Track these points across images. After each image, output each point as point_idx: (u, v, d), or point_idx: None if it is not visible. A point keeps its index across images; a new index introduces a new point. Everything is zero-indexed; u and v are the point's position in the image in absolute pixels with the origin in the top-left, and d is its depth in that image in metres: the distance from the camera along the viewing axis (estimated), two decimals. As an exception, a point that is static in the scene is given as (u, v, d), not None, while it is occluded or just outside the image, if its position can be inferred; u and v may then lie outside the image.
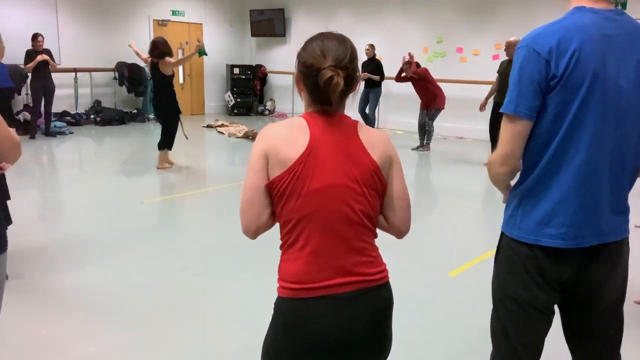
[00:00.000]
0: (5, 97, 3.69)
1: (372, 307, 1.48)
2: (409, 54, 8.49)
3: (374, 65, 9.51)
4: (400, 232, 1.57)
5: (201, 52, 7.05)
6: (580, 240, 1.57)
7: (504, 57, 8.81)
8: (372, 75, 9.35)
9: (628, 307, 3.37)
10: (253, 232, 1.49)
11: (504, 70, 7.51)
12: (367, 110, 9.76)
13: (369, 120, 9.71)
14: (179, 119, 6.96)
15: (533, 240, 1.59)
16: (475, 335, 3.00)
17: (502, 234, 1.74)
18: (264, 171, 1.44)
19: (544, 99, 1.52)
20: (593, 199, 1.56)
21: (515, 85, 1.55)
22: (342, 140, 1.45)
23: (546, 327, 1.70)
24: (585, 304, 1.67)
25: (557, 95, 1.50)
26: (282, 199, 1.43)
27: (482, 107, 7.99)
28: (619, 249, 1.64)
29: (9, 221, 3.24)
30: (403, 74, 8.60)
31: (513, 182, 1.73)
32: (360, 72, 1.52)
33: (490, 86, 8.01)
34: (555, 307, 1.72)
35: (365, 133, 1.49)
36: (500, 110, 1.59)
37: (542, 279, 1.61)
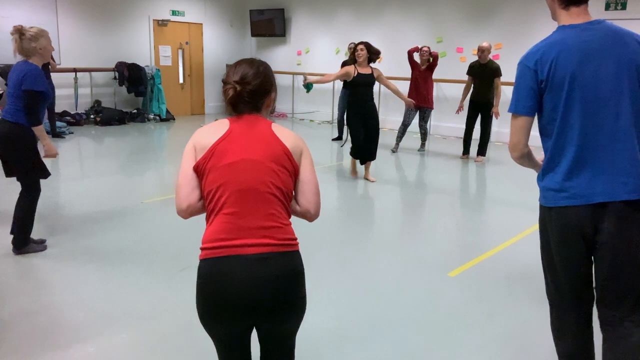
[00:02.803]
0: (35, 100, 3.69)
1: (280, 269, 1.65)
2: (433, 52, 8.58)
3: None
4: (309, 212, 1.79)
5: (309, 86, 6.59)
6: (589, 198, 1.96)
7: (504, 57, 8.87)
8: None
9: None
10: (184, 209, 1.74)
11: (477, 72, 7.96)
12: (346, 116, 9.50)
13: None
14: (351, 127, 6.37)
15: (553, 204, 2.05)
16: (475, 335, 3.00)
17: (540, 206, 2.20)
18: (192, 159, 1.73)
19: (542, 98, 2.01)
20: (595, 167, 1.96)
21: (515, 91, 2.06)
22: (256, 130, 1.74)
23: (580, 263, 2.07)
24: (601, 251, 2.02)
25: (549, 94, 2.00)
26: (205, 174, 1.70)
27: (460, 110, 8.26)
28: (630, 209, 1.96)
29: None
30: (416, 53, 8.53)
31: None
32: (276, 89, 1.86)
33: (464, 85, 8.29)
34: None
35: (278, 128, 1.78)
36: (508, 111, 2.08)
37: (566, 233, 2.04)
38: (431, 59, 8.44)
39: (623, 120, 1.94)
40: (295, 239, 1.73)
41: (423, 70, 8.42)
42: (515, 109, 2.05)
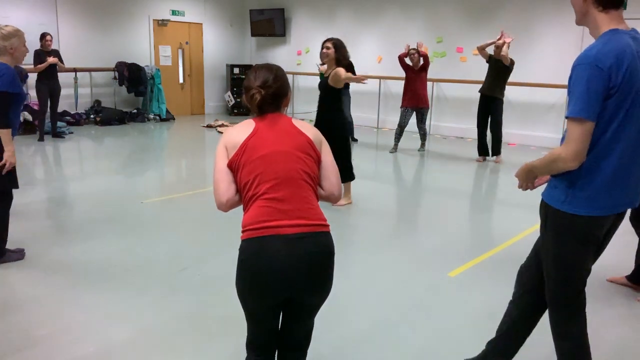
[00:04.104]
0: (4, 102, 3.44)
1: (316, 247, 1.85)
2: (420, 44, 8.43)
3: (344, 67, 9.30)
4: (333, 194, 2.01)
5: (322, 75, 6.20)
6: (617, 208, 2.05)
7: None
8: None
9: (601, 283, 3.38)
10: (224, 202, 1.90)
11: (492, 63, 7.72)
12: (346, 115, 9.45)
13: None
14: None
15: (585, 212, 2.01)
16: (475, 335, 3.00)
17: (549, 207, 2.12)
18: (224, 157, 1.92)
19: (604, 104, 1.91)
20: (629, 179, 2.02)
21: (585, 95, 1.89)
22: (280, 125, 1.95)
23: (590, 264, 2.17)
24: (603, 246, 2.20)
25: (614, 101, 1.90)
26: (240, 168, 1.88)
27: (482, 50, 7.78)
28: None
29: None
30: (406, 58, 8.47)
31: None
32: (289, 90, 2.04)
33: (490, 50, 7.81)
34: None
35: (298, 122, 2.00)
36: (571, 115, 1.91)
37: (590, 240, 2.07)
38: (422, 60, 8.34)
39: None
40: (326, 220, 1.92)
41: (417, 71, 8.35)
42: (588, 114, 1.88)
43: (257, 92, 1.91)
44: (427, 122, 8.81)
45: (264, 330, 1.99)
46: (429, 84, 10.43)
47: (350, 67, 9.20)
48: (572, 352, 2.21)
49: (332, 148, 2.05)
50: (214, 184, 1.92)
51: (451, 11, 10.32)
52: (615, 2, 1.97)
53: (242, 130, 1.93)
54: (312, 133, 1.98)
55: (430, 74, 10.29)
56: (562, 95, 8.79)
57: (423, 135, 8.71)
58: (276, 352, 2.10)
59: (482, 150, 8.06)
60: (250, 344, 2.05)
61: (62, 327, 2.97)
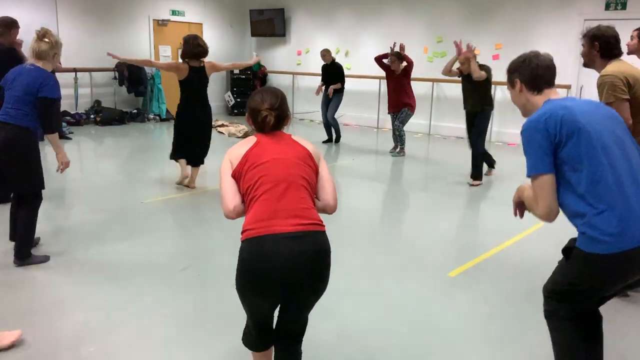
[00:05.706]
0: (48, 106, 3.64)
1: (313, 246, 1.95)
2: (401, 44, 8.12)
3: (335, 70, 9.25)
4: (329, 204, 2.14)
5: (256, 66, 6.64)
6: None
7: (504, 57, 8.78)
8: (334, 87, 9.12)
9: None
10: (232, 210, 2.03)
11: (465, 79, 6.83)
12: (328, 116, 9.36)
13: (333, 125, 9.36)
14: (177, 127, 6.63)
15: (618, 249, 1.94)
16: (475, 335, 3.01)
17: (576, 249, 2.07)
18: (229, 169, 2.08)
19: (559, 155, 2.02)
20: (637, 202, 1.99)
21: (532, 153, 2.06)
22: (281, 139, 2.14)
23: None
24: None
25: (566, 145, 2.01)
26: (243, 175, 2.04)
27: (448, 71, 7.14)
28: None
29: None
30: (385, 60, 8.18)
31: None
32: (285, 111, 2.19)
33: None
34: None
35: (297, 138, 2.18)
36: (527, 175, 2.07)
37: (630, 275, 2.03)
38: (401, 66, 7.97)
39: (634, 163, 2.09)
40: (322, 221, 2.03)
41: (398, 76, 8.07)
42: (538, 169, 2.04)
43: (270, 114, 2.10)
44: (427, 122, 8.73)
45: (262, 320, 2.15)
46: (428, 83, 10.49)
47: (340, 72, 9.24)
48: (572, 347, 2.21)
49: None
50: (221, 194, 2.07)
51: (451, 11, 10.31)
52: (547, 81, 2.20)
53: (243, 144, 2.11)
54: (311, 147, 2.16)
55: (431, 74, 10.33)
56: (562, 96, 8.78)
57: (398, 137, 8.29)
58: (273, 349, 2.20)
59: (488, 163, 7.27)
60: (248, 327, 2.23)
61: (61, 327, 2.97)
